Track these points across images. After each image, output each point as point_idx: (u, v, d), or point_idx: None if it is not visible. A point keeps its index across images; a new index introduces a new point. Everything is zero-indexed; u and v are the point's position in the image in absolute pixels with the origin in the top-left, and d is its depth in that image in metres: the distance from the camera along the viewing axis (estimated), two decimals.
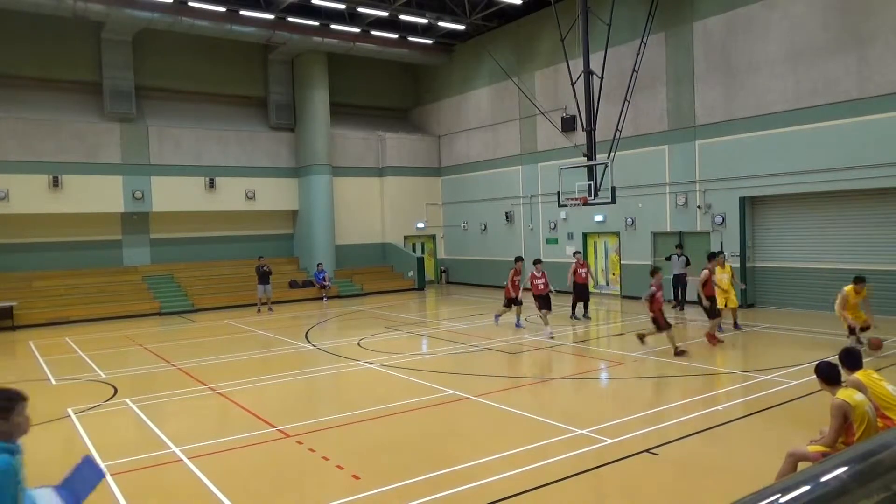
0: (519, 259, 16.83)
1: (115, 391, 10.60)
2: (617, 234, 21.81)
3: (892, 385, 5.71)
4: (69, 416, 9.18)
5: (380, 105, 30.36)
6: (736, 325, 14.60)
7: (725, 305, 13.91)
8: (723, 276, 13.87)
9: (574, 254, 17.95)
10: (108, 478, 6.69)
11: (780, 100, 17.00)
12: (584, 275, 17.23)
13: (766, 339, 13.71)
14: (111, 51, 23.17)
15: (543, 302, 15.39)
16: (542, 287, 15.54)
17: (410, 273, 27.22)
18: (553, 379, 10.87)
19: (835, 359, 5.83)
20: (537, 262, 16.16)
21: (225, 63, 25.87)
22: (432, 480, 6.38)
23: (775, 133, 17.15)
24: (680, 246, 18.22)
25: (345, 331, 17.36)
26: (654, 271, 12.92)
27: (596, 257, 23.19)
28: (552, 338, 14.18)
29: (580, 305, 17.48)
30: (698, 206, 19.09)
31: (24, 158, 21.44)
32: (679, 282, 17.96)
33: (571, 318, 17.33)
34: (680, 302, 18.01)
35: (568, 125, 22.27)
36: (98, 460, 3.98)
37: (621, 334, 14.97)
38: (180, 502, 6.22)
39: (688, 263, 17.77)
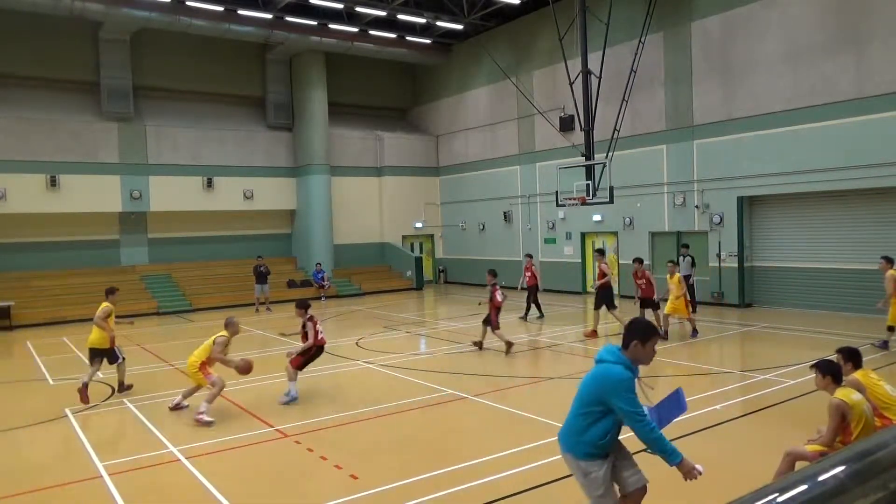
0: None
1: (113, 391, 10.58)
2: (615, 233, 21.82)
3: (889, 385, 5.73)
4: (67, 416, 9.17)
5: (378, 105, 30.35)
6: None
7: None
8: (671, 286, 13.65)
9: (525, 255, 17.95)
10: (106, 478, 6.69)
11: (778, 100, 17.02)
12: (528, 277, 17.20)
13: (763, 339, 13.72)
14: (109, 50, 23.14)
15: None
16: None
17: (409, 273, 27.21)
18: (551, 378, 10.87)
19: (834, 357, 5.84)
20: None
21: (223, 63, 25.84)
22: (431, 480, 6.38)
23: (773, 133, 17.16)
24: (686, 246, 18.08)
25: (343, 330, 17.34)
26: (491, 272, 13.26)
27: (594, 257, 23.21)
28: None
29: (533, 307, 17.47)
30: (696, 206, 19.10)
31: (22, 158, 21.41)
32: (685, 283, 17.59)
33: (520, 318, 17.33)
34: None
35: (566, 125, 22.28)
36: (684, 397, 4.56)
37: (618, 334, 14.95)
38: (178, 502, 6.21)
39: (693, 264, 17.57)
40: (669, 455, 4.05)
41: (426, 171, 29.35)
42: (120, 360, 10.51)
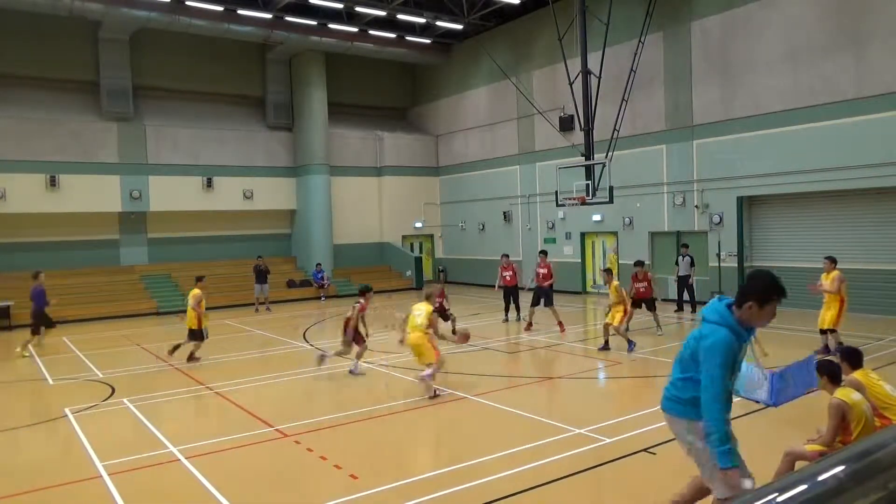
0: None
1: (113, 391, 10.58)
2: (615, 233, 21.82)
3: (889, 385, 5.73)
4: (66, 415, 9.16)
5: (378, 104, 30.35)
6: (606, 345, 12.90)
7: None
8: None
9: (502, 256, 17.63)
10: (106, 478, 6.69)
11: (777, 99, 17.02)
12: (508, 277, 16.88)
13: (763, 339, 13.66)
14: (108, 50, 23.15)
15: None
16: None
17: (408, 273, 27.21)
18: (551, 378, 10.87)
19: (833, 357, 5.84)
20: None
21: (223, 62, 25.84)
22: (430, 480, 6.38)
23: (773, 133, 17.17)
24: (686, 246, 18.05)
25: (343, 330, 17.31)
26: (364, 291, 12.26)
27: (594, 257, 23.22)
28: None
29: (512, 308, 17.18)
30: (696, 206, 19.10)
31: (22, 158, 21.41)
32: (684, 283, 17.55)
33: (503, 321, 17.10)
34: (679, 302, 17.80)
35: (566, 125, 22.28)
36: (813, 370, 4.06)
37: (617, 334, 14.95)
38: (178, 502, 6.21)
39: (692, 264, 17.53)
40: (722, 455, 3.52)
41: (426, 170, 29.35)
42: (204, 339, 12.82)
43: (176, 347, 12.72)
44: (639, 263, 14.81)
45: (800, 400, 8.65)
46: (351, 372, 11.21)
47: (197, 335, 12.68)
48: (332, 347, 12.10)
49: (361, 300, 11.53)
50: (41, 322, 14.64)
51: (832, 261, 11.86)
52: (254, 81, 26.77)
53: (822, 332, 11.69)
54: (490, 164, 26.55)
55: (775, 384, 3.85)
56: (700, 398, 3.74)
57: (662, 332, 14.16)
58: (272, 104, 26.63)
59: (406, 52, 26.97)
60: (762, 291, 3.60)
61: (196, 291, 12.80)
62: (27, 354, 14.24)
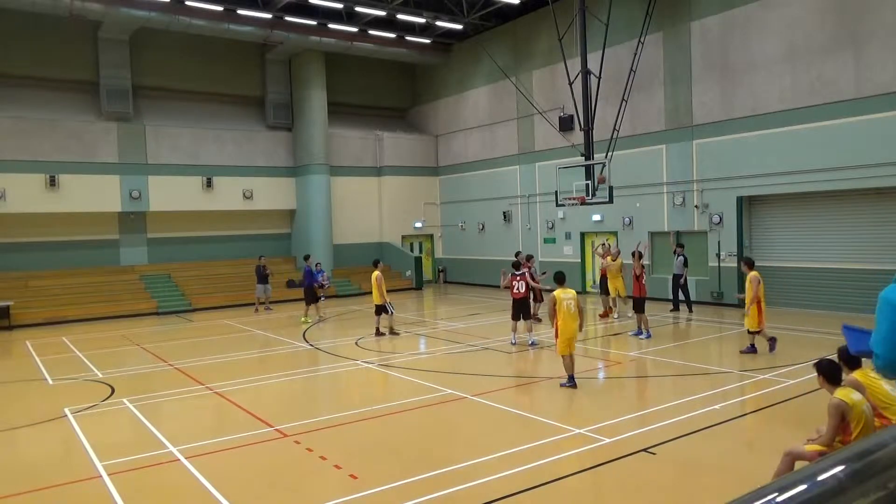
0: None
1: (113, 391, 10.59)
2: (615, 233, 21.82)
3: (889, 385, 5.72)
4: (66, 415, 9.16)
5: (377, 104, 30.34)
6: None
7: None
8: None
9: (516, 253, 17.40)
10: (106, 478, 6.68)
11: (777, 99, 17.02)
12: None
13: (763, 339, 13.70)
14: (108, 50, 23.14)
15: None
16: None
17: (408, 273, 27.21)
18: (550, 378, 10.87)
19: (834, 357, 5.84)
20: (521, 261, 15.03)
21: (222, 62, 25.84)
22: (430, 480, 6.38)
23: (773, 133, 17.17)
24: (681, 245, 18.04)
25: (342, 330, 17.34)
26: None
27: (593, 257, 23.20)
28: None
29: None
30: (696, 206, 19.10)
31: (21, 158, 21.40)
32: (676, 282, 17.68)
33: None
34: (675, 302, 17.78)
35: (565, 125, 22.28)
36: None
37: (618, 334, 14.97)
38: (178, 502, 6.22)
39: (686, 264, 17.50)
40: None
41: (425, 170, 29.35)
42: (391, 314, 15.03)
43: (393, 332, 15.10)
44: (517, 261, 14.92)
45: (800, 399, 8.71)
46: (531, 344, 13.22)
47: (381, 310, 14.95)
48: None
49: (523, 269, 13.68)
50: (310, 297, 18.20)
51: (749, 263, 12.04)
52: (253, 81, 26.77)
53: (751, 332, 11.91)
54: (490, 164, 26.54)
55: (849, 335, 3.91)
56: None
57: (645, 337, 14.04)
58: (272, 104, 26.62)
59: (406, 52, 26.97)
60: None
61: (376, 273, 15.07)
62: (308, 321, 18.00)
